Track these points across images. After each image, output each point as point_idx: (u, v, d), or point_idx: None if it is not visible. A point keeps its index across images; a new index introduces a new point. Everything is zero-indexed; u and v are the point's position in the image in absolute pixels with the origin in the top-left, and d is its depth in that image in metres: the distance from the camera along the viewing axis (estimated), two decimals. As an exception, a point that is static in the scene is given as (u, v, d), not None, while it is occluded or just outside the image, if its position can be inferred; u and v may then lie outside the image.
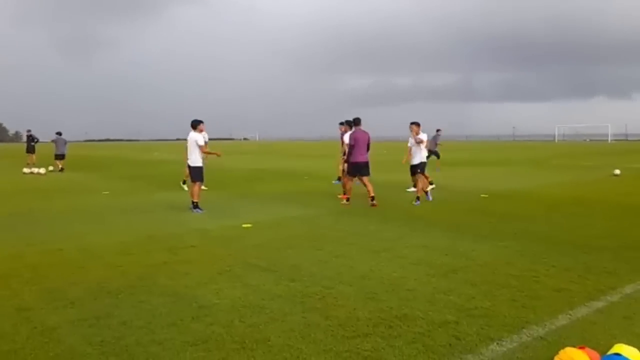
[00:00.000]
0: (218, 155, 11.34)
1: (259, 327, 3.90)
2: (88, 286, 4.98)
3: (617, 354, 3.13)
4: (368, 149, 10.86)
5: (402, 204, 10.62)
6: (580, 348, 3.15)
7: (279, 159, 32.36)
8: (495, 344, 3.56)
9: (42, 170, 20.85)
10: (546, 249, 6.32)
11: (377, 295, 4.61)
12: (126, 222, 8.87)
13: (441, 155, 20.75)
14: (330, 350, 3.48)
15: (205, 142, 10.55)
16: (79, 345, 3.62)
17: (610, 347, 3.28)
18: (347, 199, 10.72)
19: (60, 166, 22.07)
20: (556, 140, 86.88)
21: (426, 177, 11.39)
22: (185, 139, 10.17)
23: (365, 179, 10.64)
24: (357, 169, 10.70)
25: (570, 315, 4.09)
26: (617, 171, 17.51)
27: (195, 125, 10.01)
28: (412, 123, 10.97)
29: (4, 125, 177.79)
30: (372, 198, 10.35)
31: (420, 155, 11.04)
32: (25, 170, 21.36)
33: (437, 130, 21.28)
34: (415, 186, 11.20)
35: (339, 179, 12.64)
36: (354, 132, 10.84)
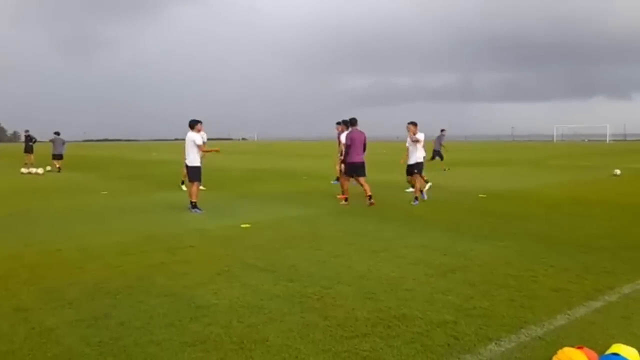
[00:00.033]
0: (217, 151, 11.37)
1: (258, 327, 3.89)
2: (86, 286, 4.97)
3: (616, 354, 3.13)
4: (364, 149, 10.85)
5: (401, 204, 10.62)
6: (579, 348, 3.15)
7: (278, 159, 32.35)
8: (493, 343, 3.57)
9: (40, 171, 20.82)
10: (545, 249, 6.33)
11: (376, 295, 4.61)
12: (125, 222, 8.86)
13: (443, 155, 20.76)
14: (328, 350, 3.48)
15: (204, 143, 10.54)
16: (77, 345, 3.61)
17: (609, 347, 3.28)
18: (346, 199, 10.72)
19: (57, 166, 22.03)
20: (555, 141, 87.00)
21: (422, 177, 11.39)
22: (184, 139, 10.17)
23: (361, 179, 10.64)
24: (354, 169, 10.70)
25: (568, 315, 4.09)
26: (618, 171, 17.51)
27: (193, 125, 10.00)
28: (409, 123, 10.96)
29: (2, 125, 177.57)
30: (370, 197, 10.35)
31: (416, 155, 10.99)
32: (23, 170, 21.32)
33: (442, 131, 21.23)
34: (413, 186, 11.19)
35: (338, 179, 12.64)
36: (350, 132, 10.84)
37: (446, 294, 4.62)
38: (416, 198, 10.75)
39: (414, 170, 11.03)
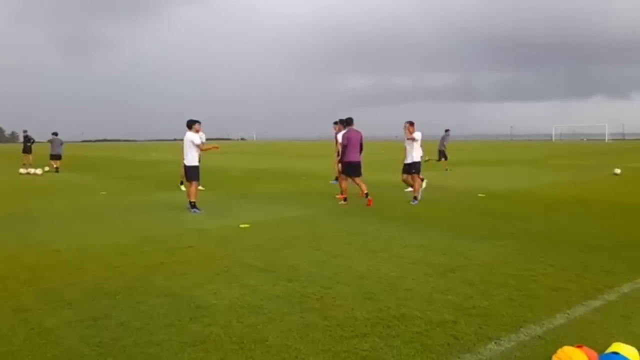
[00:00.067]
0: (217, 149, 11.38)
1: (257, 327, 3.89)
2: (85, 287, 4.96)
3: (615, 353, 3.13)
4: (361, 148, 10.86)
5: (400, 204, 10.63)
6: (578, 347, 3.15)
7: (277, 159, 32.35)
8: (493, 343, 3.57)
9: (39, 171, 20.81)
10: (544, 249, 6.33)
11: (375, 295, 4.61)
12: (124, 222, 8.86)
13: (437, 154, 20.75)
14: (328, 350, 3.48)
15: (202, 143, 10.54)
16: (76, 346, 3.61)
17: (608, 345, 3.29)
18: (345, 199, 10.73)
19: (55, 166, 22.04)
20: (554, 140, 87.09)
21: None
22: (183, 140, 10.16)
23: (357, 179, 10.66)
24: (351, 169, 10.70)
25: (568, 314, 4.09)
26: (618, 170, 17.53)
27: (191, 125, 10.00)
28: (407, 122, 10.95)
29: (1, 125, 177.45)
30: (367, 195, 10.38)
31: (413, 155, 10.95)
32: (22, 170, 21.31)
33: (446, 131, 21.19)
34: (412, 186, 11.19)
35: (337, 179, 12.65)
36: (347, 131, 10.84)
37: (445, 293, 4.63)
38: (415, 198, 10.75)
39: (411, 170, 10.99)
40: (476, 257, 5.93)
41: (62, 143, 23.11)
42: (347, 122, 11.01)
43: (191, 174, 10.01)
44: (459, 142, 72.12)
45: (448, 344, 3.56)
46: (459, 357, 3.38)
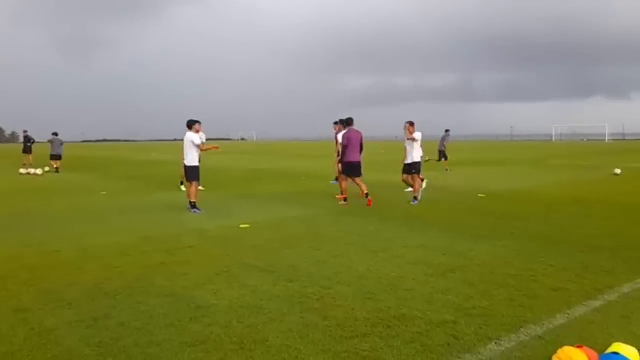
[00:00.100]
0: (217, 148, 11.40)
1: (257, 327, 3.89)
2: (85, 287, 4.96)
3: (615, 353, 3.13)
4: (361, 148, 10.86)
5: (400, 204, 10.62)
6: (578, 347, 3.15)
7: (277, 159, 32.35)
8: (493, 343, 3.57)
9: (39, 171, 20.81)
10: (544, 248, 6.33)
11: (375, 295, 4.61)
12: (124, 222, 8.85)
13: (437, 154, 20.75)
14: (328, 350, 3.48)
15: (202, 143, 10.55)
16: (76, 346, 3.61)
17: (608, 345, 3.29)
18: (345, 199, 10.73)
19: (55, 166, 22.06)
20: (553, 140, 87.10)
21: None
22: (183, 140, 10.17)
23: (357, 179, 10.67)
24: (351, 169, 10.71)
25: (568, 314, 4.09)
26: (618, 170, 17.53)
27: (191, 125, 10.01)
28: (407, 122, 10.95)
29: (1, 125, 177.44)
30: (367, 195, 10.39)
31: (413, 155, 10.94)
32: (22, 170, 21.31)
33: (446, 131, 21.16)
34: (412, 186, 11.19)
35: (337, 179, 12.65)
36: (347, 131, 10.85)
37: (445, 293, 4.63)
38: (415, 198, 10.75)
39: (411, 170, 10.98)
40: (476, 257, 5.93)
41: (62, 143, 23.13)
42: (347, 122, 11.01)
43: (191, 174, 10.01)
44: (459, 142, 72.14)
45: (448, 344, 3.56)
46: (459, 357, 3.38)
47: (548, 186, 14.00)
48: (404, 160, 11.17)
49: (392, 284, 4.91)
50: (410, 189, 11.45)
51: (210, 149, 10.91)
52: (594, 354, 3.14)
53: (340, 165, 10.95)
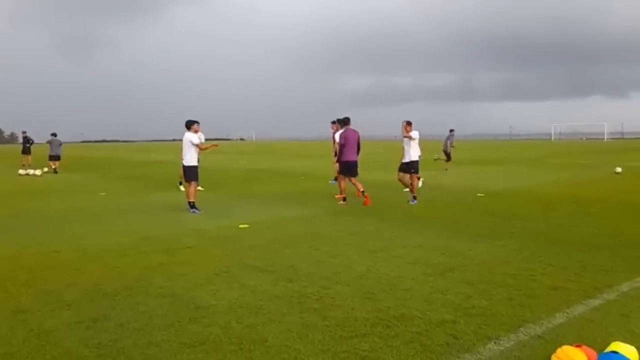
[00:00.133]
0: (216, 146, 11.43)
1: (257, 328, 3.89)
2: (84, 288, 4.96)
3: (614, 352, 3.14)
4: (359, 148, 10.87)
5: (399, 204, 10.62)
6: (578, 346, 3.16)
7: (276, 159, 32.35)
8: (492, 342, 3.57)
9: (38, 172, 20.80)
10: (543, 248, 6.33)
11: (375, 295, 4.61)
12: (123, 223, 8.85)
13: (441, 154, 20.75)
14: (328, 350, 3.48)
15: (201, 143, 10.55)
16: (75, 347, 3.61)
17: (607, 345, 3.29)
18: (344, 199, 10.73)
19: (53, 167, 22.05)
20: (553, 139, 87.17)
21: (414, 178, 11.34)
22: (182, 140, 10.17)
23: (353, 179, 10.69)
24: (348, 168, 10.73)
25: (567, 313, 4.09)
26: (619, 169, 17.54)
27: (190, 125, 10.02)
28: (404, 122, 10.95)
29: (0, 126, 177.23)
30: (363, 192, 10.41)
31: (410, 154, 10.93)
32: (21, 171, 21.29)
33: (451, 131, 21.11)
34: (408, 186, 11.19)
35: (336, 179, 12.66)
36: (344, 131, 10.86)
37: (445, 293, 4.63)
38: (414, 197, 10.75)
39: (410, 169, 10.96)
40: (475, 257, 5.93)
41: (61, 144, 23.13)
42: (344, 122, 11.02)
43: (190, 174, 10.00)
44: (458, 141, 72.03)
45: (447, 343, 3.56)
46: (458, 357, 3.38)
47: (547, 185, 14.01)
48: (401, 159, 11.17)
49: (392, 284, 4.91)
50: (407, 189, 11.45)
51: (209, 147, 10.92)
52: (593, 353, 3.14)
53: (337, 164, 10.96)
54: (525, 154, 34.42)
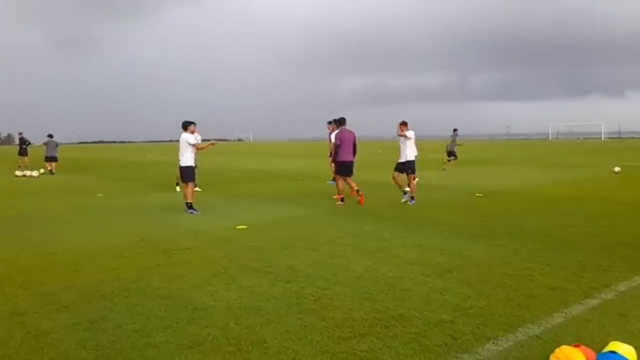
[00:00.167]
0: (213, 145, 11.43)
1: (255, 329, 3.88)
2: (82, 290, 4.94)
3: (613, 352, 3.14)
4: (355, 148, 10.87)
5: (398, 204, 10.62)
6: (576, 346, 3.16)
7: (274, 160, 32.33)
8: (491, 343, 3.57)
9: (35, 173, 20.75)
10: (541, 248, 6.34)
11: (373, 295, 4.61)
12: (120, 224, 8.82)
13: (444, 155, 20.79)
14: (326, 351, 3.47)
15: (198, 143, 10.54)
16: (73, 349, 3.59)
17: (606, 344, 3.29)
18: (342, 199, 10.73)
19: (49, 168, 22.00)
20: (550, 139, 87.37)
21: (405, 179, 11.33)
22: (178, 141, 10.16)
23: (348, 179, 10.71)
24: (344, 169, 10.74)
25: (565, 313, 4.10)
26: (617, 168, 17.58)
27: (186, 126, 10.02)
28: (400, 122, 10.96)
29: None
30: (357, 191, 10.44)
31: (405, 154, 10.92)
32: (18, 173, 21.23)
33: (454, 130, 21.18)
34: (409, 185, 11.19)
35: (334, 179, 12.66)
36: (339, 131, 10.87)
37: (443, 293, 4.62)
38: (412, 197, 10.75)
39: (406, 169, 10.94)
40: (473, 257, 5.93)
41: (57, 145, 23.09)
42: (339, 122, 11.03)
43: (187, 174, 9.99)
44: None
45: (446, 344, 3.56)
46: (456, 357, 3.37)
47: (545, 185, 14.03)
48: (398, 159, 11.18)
49: (390, 285, 4.91)
50: (407, 188, 11.45)
51: (206, 147, 10.92)
52: (592, 353, 3.14)
53: (333, 165, 10.98)
54: (523, 154, 34.48)
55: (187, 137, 9.91)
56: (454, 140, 20.69)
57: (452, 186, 14.05)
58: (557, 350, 3.16)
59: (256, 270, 5.53)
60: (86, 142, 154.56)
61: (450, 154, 20.45)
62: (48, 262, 6.09)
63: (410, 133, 10.81)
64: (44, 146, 22.84)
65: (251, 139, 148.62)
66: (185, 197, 9.98)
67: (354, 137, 10.87)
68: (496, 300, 4.43)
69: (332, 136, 11.57)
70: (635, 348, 3.22)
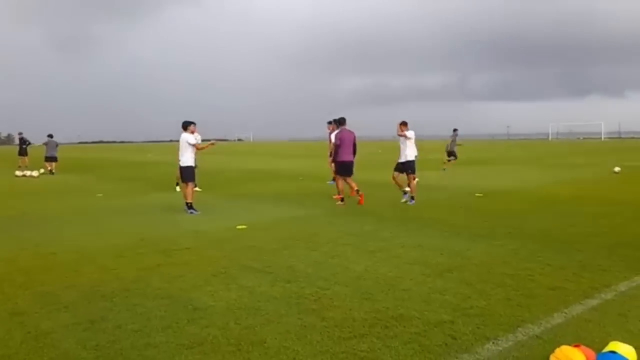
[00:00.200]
0: (213, 145, 11.44)
1: (255, 329, 3.88)
2: (82, 290, 4.94)
3: (612, 352, 3.14)
4: (355, 148, 10.87)
5: (398, 204, 10.62)
6: (576, 346, 3.16)
7: (274, 160, 32.33)
8: (491, 343, 3.57)
9: (35, 173, 20.76)
10: (541, 248, 6.34)
11: (373, 295, 4.61)
12: (120, 224, 8.83)
13: (444, 155, 20.79)
14: (326, 351, 3.47)
15: (198, 143, 10.55)
16: (73, 349, 3.59)
17: (606, 344, 3.29)
18: (342, 199, 10.73)
19: (49, 168, 22.01)
20: (550, 139, 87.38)
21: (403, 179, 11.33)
22: (178, 141, 10.17)
23: (348, 179, 10.72)
24: (344, 169, 10.75)
25: (565, 313, 4.10)
26: (617, 168, 17.58)
27: (186, 126, 10.02)
28: (400, 122, 10.96)
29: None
30: (357, 191, 10.45)
31: (405, 154, 10.91)
32: (18, 173, 21.23)
33: (454, 130, 21.20)
34: (409, 185, 11.19)
35: (334, 179, 12.66)
36: (339, 131, 10.87)
37: (443, 293, 4.62)
38: (412, 197, 10.75)
39: (406, 169, 10.94)
40: (473, 257, 5.93)
41: (57, 145, 23.10)
42: (339, 122, 11.03)
43: (187, 174, 9.99)
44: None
45: (446, 344, 3.56)
46: (456, 357, 3.37)
47: (545, 185, 14.03)
48: (398, 159, 11.18)
49: (390, 285, 4.91)
50: (407, 188, 11.45)
51: (206, 147, 10.93)
52: (592, 353, 3.14)
53: (333, 165, 10.99)
54: (523, 154, 34.49)
55: (187, 137, 9.91)
56: (454, 140, 20.70)
57: (452, 186, 14.05)
58: (557, 350, 3.16)
59: (256, 270, 5.53)
60: (86, 142, 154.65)
61: (450, 154, 20.46)
62: (48, 262, 6.09)
63: (410, 133, 10.80)
64: (44, 146, 22.85)
65: (251, 139, 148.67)
66: (185, 197, 9.98)
67: (354, 137, 10.87)
68: (496, 300, 4.43)
69: (332, 136, 11.58)
70: (635, 348, 3.22)
